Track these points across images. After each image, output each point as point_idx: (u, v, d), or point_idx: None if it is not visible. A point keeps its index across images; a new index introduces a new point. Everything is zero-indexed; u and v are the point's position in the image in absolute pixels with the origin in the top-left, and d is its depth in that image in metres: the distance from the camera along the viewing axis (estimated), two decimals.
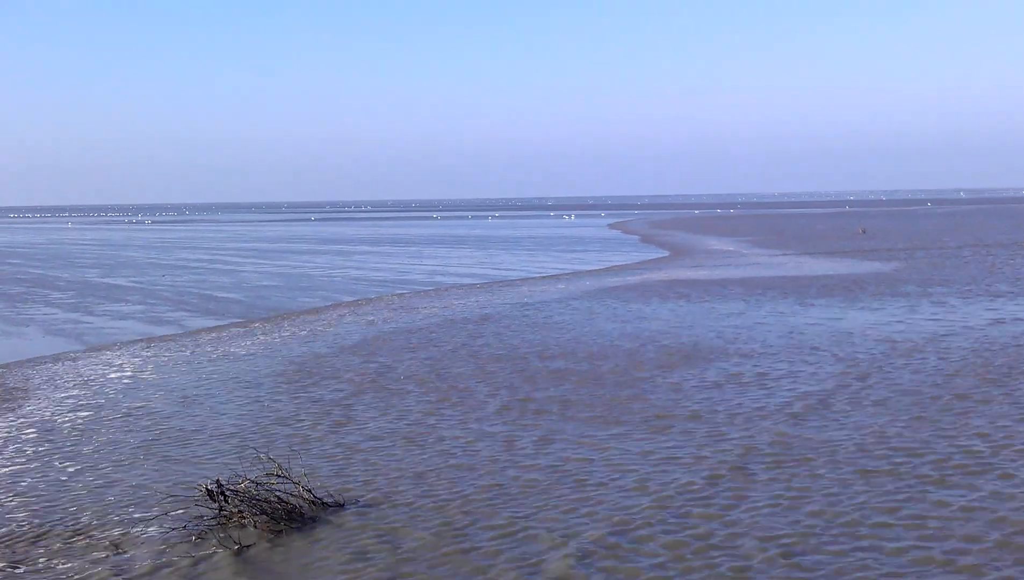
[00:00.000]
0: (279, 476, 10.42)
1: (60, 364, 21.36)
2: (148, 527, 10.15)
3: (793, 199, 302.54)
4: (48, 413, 16.17)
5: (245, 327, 26.88)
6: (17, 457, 13.39)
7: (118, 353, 22.72)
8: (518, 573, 8.60)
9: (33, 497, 11.45)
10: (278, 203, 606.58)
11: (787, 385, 15.94)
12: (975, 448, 11.83)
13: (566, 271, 44.04)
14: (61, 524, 10.42)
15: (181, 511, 10.45)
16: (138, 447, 13.57)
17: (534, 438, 13.13)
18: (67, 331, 27.43)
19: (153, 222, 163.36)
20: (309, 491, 10.46)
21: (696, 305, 27.23)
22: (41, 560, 9.44)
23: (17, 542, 9.94)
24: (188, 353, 22.17)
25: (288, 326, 26.35)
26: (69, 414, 15.98)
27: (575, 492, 10.72)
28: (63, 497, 11.39)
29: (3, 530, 10.33)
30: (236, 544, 9.50)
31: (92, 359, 21.95)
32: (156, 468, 12.45)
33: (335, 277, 44.18)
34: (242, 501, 10.03)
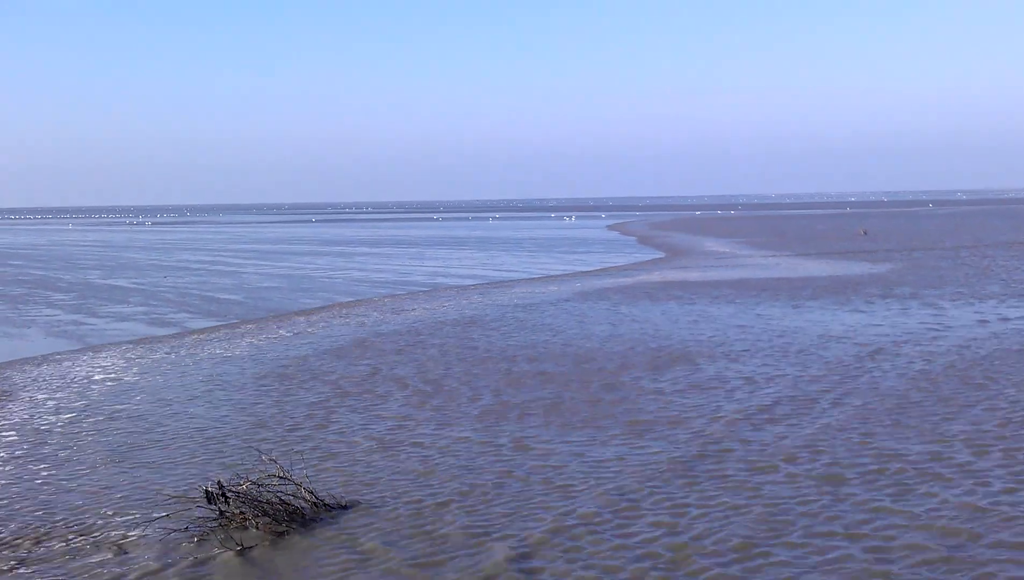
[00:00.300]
0: (281, 478, 10.45)
1: (45, 366, 21.34)
2: (145, 529, 10.13)
3: (794, 200, 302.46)
4: (27, 415, 16.16)
5: (232, 329, 26.85)
6: None
7: (104, 355, 22.70)
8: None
9: (5, 500, 11.43)
10: (279, 204, 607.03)
11: (771, 388, 15.88)
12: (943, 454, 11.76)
13: (563, 273, 43.99)
14: (28, 528, 10.39)
15: (163, 514, 10.42)
16: (114, 450, 13.55)
17: (512, 441, 13.09)
18: (69, 333, 27.41)
19: (154, 224, 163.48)
20: (311, 492, 10.47)
21: (687, 307, 27.17)
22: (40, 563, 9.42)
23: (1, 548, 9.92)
24: (174, 355, 22.15)
25: (275, 328, 26.31)
26: (50, 416, 15.97)
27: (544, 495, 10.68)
28: (45, 499, 11.37)
29: None
30: (238, 545, 9.53)
31: (78, 360, 21.93)
32: (131, 471, 12.42)
33: (336, 279, 44.16)
34: (244, 503, 10.06)
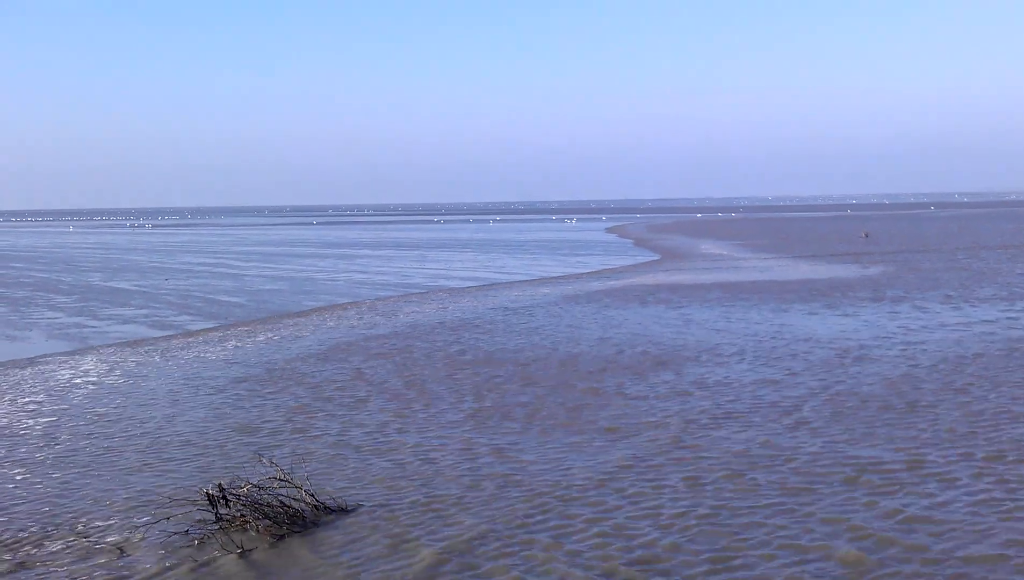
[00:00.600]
0: (281, 480, 10.46)
1: (31, 368, 21.37)
2: (142, 532, 10.14)
3: (796, 202, 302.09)
4: (5, 420, 16.18)
5: (223, 332, 26.87)
6: None
7: (90, 358, 22.71)
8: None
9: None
10: (281, 207, 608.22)
11: (756, 391, 15.84)
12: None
13: (559, 275, 43.96)
14: (26, 531, 10.39)
15: (149, 516, 10.40)
16: (96, 454, 13.55)
17: (494, 446, 13.08)
18: (71, 335, 27.45)
19: (154, 226, 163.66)
20: (312, 495, 10.46)
21: (674, 310, 27.13)
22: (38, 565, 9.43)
23: None
24: (158, 358, 22.16)
25: (263, 331, 26.32)
26: (29, 420, 15.99)
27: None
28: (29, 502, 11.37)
29: None
30: (239, 548, 9.53)
31: (64, 363, 21.94)
32: (116, 474, 12.42)
33: (338, 281, 44.19)
34: (244, 505, 10.07)
